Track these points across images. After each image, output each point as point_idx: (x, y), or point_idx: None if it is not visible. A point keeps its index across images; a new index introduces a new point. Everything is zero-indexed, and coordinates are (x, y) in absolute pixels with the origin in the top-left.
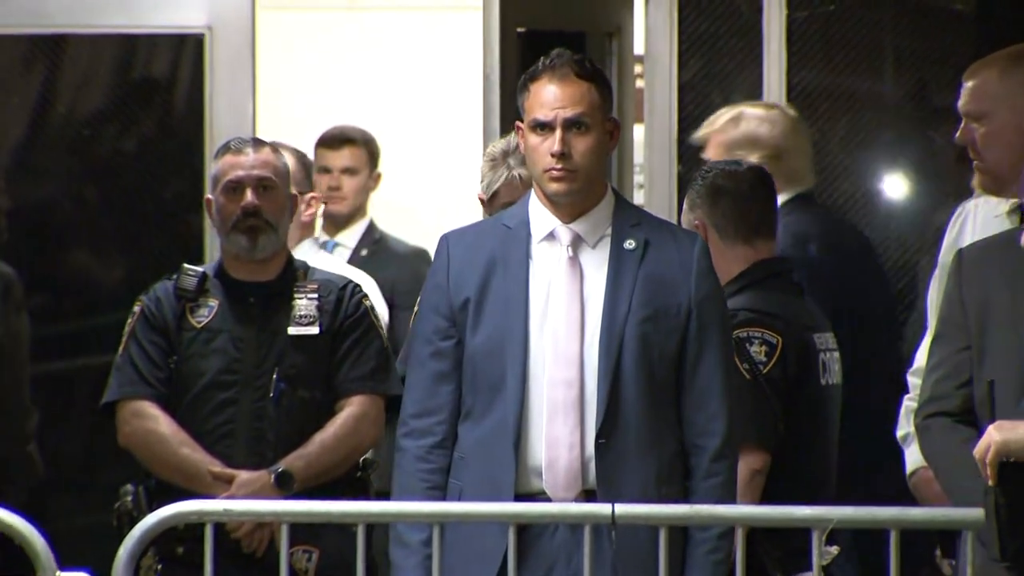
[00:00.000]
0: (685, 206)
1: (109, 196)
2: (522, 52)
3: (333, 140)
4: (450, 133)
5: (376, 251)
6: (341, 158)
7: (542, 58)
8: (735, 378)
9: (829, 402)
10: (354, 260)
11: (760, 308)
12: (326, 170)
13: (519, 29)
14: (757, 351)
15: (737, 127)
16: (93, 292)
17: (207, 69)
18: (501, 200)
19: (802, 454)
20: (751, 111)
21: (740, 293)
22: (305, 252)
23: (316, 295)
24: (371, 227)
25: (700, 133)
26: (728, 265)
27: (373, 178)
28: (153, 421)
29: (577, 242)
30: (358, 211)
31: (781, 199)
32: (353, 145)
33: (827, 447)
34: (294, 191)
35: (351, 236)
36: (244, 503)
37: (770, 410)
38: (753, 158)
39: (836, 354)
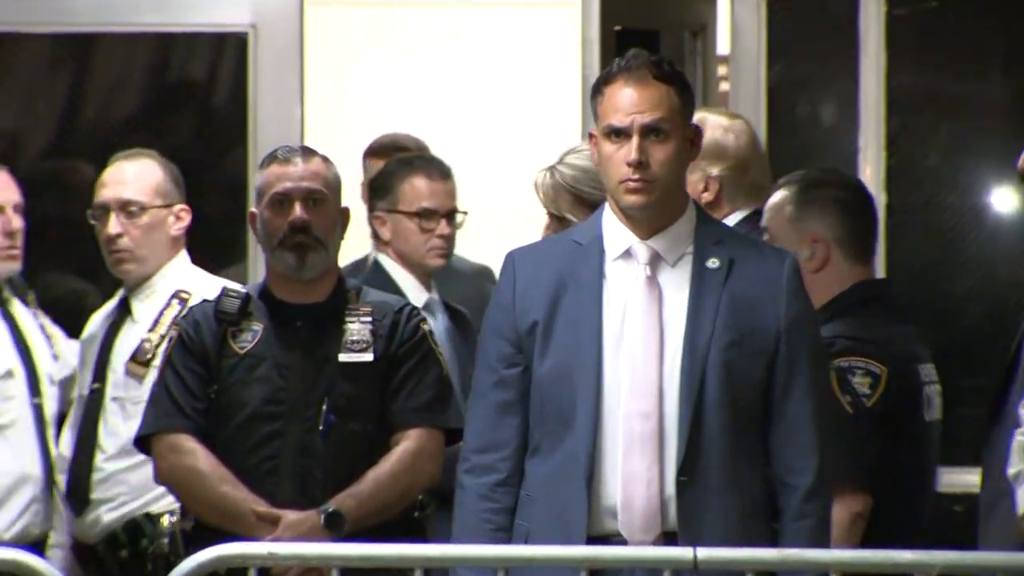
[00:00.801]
0: (787, 215)
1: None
2: (618, 53)
3: (383, 149)
4: (535, 140)
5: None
6: None
7: (616, 59)
8: (833, 410)
9: (930, 440)
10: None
11: (862, 335)
12: None
13: (616, 27)
14: (860, 383)
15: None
16: None
17: (251, 71)
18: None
19: (902, 496)
20: (714, 119)
21: (838, 318)
22: (177, 271)
23: (370, 318)
24: None
25: None
26: (844, 287)
27: None
28: (191, 456)
29: (655, 260)
30: None
31: (740, 215)
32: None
33: (927, 488)
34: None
35: None
36: (291, 546)
37: (874, 449)
38: (715, 170)
39: (938, 387)
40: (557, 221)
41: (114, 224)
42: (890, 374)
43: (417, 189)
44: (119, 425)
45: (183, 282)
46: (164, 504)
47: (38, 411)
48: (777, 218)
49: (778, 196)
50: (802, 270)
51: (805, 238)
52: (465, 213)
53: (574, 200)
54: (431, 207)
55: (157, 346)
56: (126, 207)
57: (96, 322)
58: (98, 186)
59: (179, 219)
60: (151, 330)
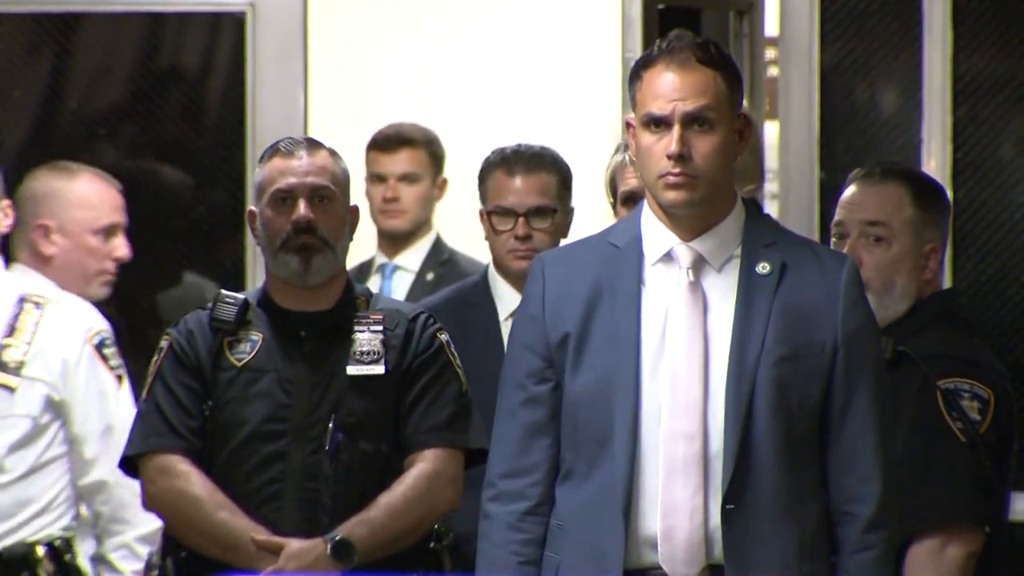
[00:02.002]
0: (909, 217)
1: (130, 207)
2: (662, 33)
3: (388, 142)
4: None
5: (445, 274)
6: (398, 163)
7: (658, 41)
8: (943, 436)
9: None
10: (419, 285)
11: (963, 355)
12: (380, 178)
13: (659, 5)
14: (969, 407)
15: None
16: (112, 324)
17: (249, 55)
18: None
19: (999, 530)
20: None
21: (925, 332)
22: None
23: (381, 327)
24: (437, 245)
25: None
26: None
27: (438, 185)
28: (184, 480)
29: (699, 264)
30: (421, 226)
31: None
32: (412, 147)
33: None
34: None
35: (414, 257)
36: None
37: (989, 479)
38: None
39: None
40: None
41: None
42: (997, 398)
43: (497, 185)
44: None
45: (21, 286)
46: (35, 529)
47: None
48: (899, 216)
49: (891, 190)
50: (914, 280)
51: (923, 245)
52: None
53: None
54: (506, 205)
55: (26, 354)
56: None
57: None
58: None
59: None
60: (9, 336)
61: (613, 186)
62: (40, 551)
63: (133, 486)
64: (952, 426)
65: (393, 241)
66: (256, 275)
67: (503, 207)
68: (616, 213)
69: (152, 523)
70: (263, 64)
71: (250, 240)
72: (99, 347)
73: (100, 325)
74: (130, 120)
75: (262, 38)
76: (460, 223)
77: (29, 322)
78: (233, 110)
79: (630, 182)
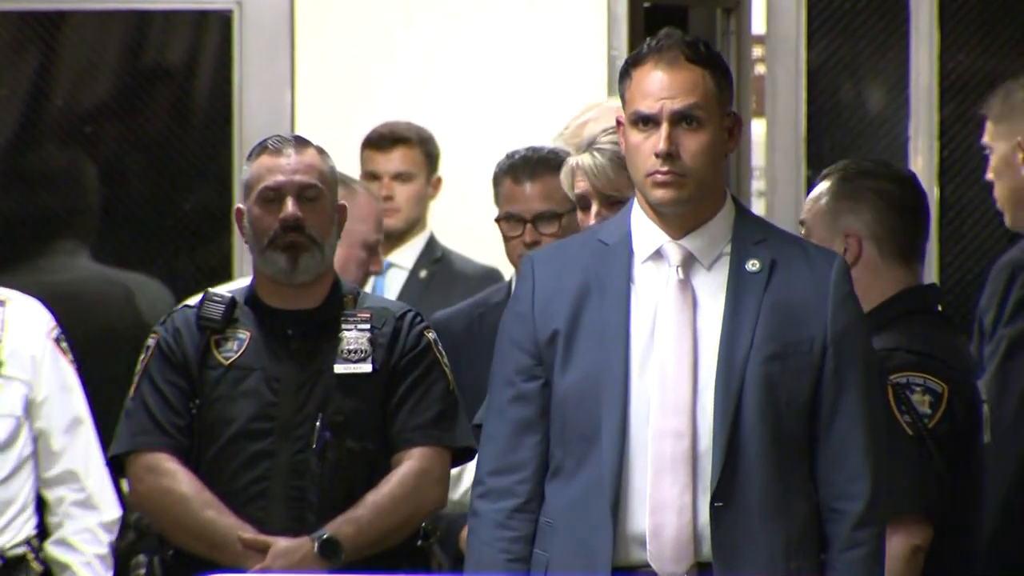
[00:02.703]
0: (827, 206)
1: (116, 206)
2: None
3: (382, 140)
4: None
5: (438, 272)
6: (392, 161)
7: (647, 39)
8: (889, 430)
9: (985, 465)
10: (412, 283)
11: (919, 348)
12: (374, 176)
13: (645, 3)
14: (920, 401)
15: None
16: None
17: (236, 53)
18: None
19: (959, 528)
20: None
21: (891, 328)
22: None
23: (368, 326)
24: (431, 243)
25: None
26: (883, 290)
27: (432, 184)
28: (170, 478)
29: (689, 262)
30: (415, 224)
31: None
32: (406, 145)
33: (981, 519)
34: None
35: (407, 255)
36: None
37: (934, 473)
38: None
39: (987, 406)
40: (610, 206)
41: None
42: (951, 391)
43: (506, 192)
44: None
45: None
46: (17, 530)
47: None
48: (813, 210)
49: (818, 188)
50: None
51: (838, 232)
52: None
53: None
54: (514, 212)
55: (1, 352)
56: None
57: None
58: None
59: None
60: None
61: (571, 187)
62: (29, 552)
63: (101, 475)
64: (900, 420)
65: (387, 239)
66: (243, 273)
67: (511, 213)
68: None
69: (115, 512)
70: (250, 62)
71: (236, 238)
72: (57, 341)
73: (53, 319)
74: (116, 118)
75: (249, 36)
76: (453, 221)
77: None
78: (220, 108)
79: (579, 185)
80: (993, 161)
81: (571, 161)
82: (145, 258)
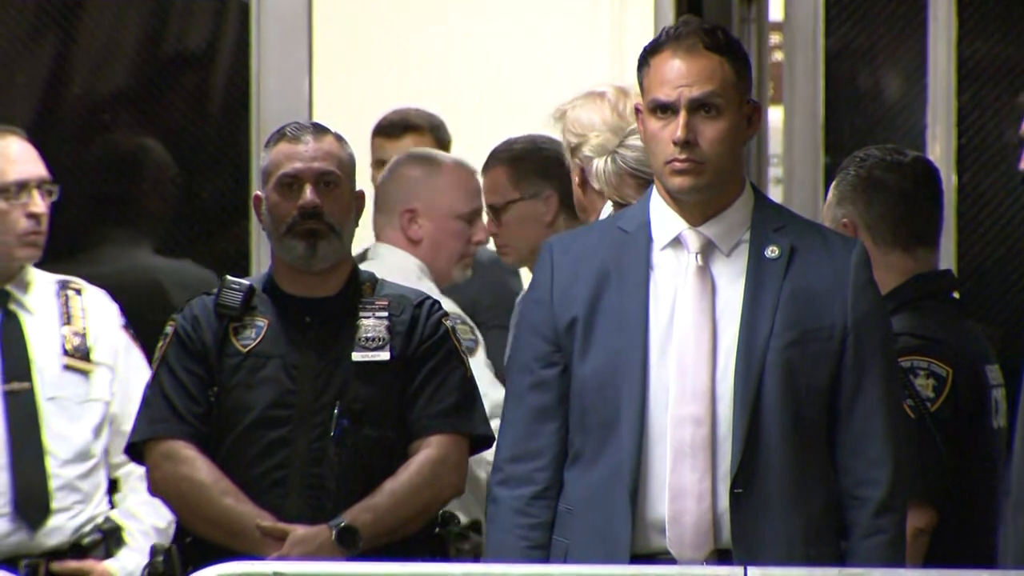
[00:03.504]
0: (831, 199)
1: (134, 194)
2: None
3: (393, 128)
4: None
5: None
6: (402, 149)
7: (665, 27)
8: (902, 412)
9: (998, 449)
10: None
11: (925, 333)
12: (384, 163)
13: None
14: (923, 385)
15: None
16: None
17: (254, 41)
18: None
19: (968, 511)
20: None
21: (897, 313)
22: None
23: (386, 313)
24: None
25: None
26: (880, 276)
27: None
28: (189, 465)
29: (708, 249)
30: None
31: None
32: (417, 133)
33: (993, 502)
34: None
35: None
36: (299, 565)
37: (939, 457)
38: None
39: (1003, 390)
40: (620, 208)
41: (40, 203)
42: (956, 376)
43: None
44: (66, 427)
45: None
46: (104, 508)
47: None
48: (827, 201)
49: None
50: None
51: (837, 222)
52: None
53: (639, 184)
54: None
55: (88, 339)
56: (43, 184)
57: None
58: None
59: None
60: (67, 324)
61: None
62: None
63: None
64: (903, 404)
65: None
66: (261, 261)
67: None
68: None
69: None
70: (268, 50)
71: (255, 226)
72: (126, 328)
73: (119, 308)
74: (134, 106)
75: (267, 24)
76: None
77: (77, 308)
78: (238, 96)
79: (595, 185)
80: None
81: (596, 163)
82: (163, 246)
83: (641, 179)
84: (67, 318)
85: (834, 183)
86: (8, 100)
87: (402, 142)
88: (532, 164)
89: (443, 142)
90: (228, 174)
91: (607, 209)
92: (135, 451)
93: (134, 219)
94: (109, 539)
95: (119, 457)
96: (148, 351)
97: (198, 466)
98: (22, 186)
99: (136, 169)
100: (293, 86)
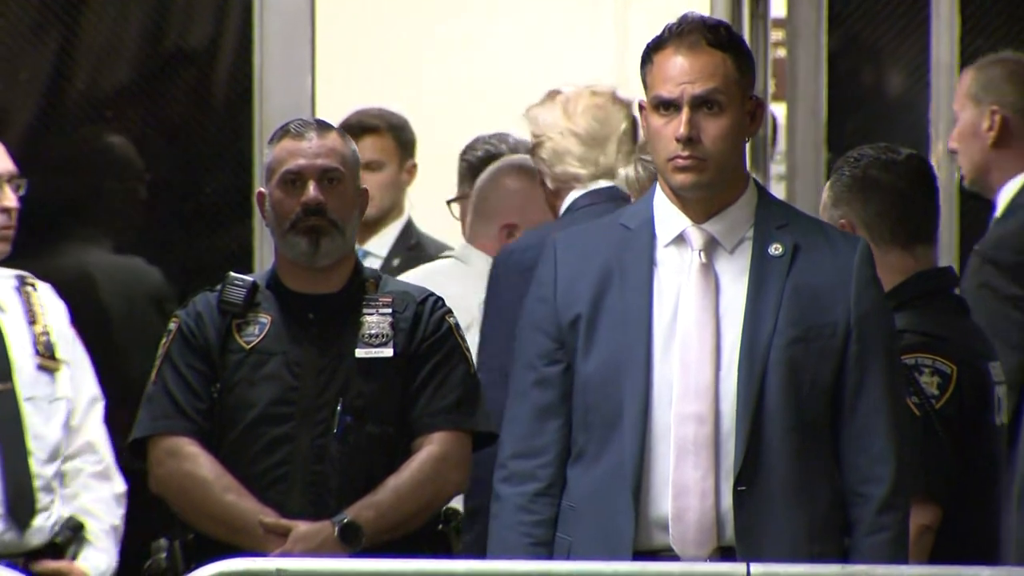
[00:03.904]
0: (826, 199)
1: (136, 190)
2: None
3: (349, 130)
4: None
5: (411, 259)
6: (360, 151)
7: (667, 24)
8: (906, 410)
9: (999, 446)
10: (386, 272)
11: (928, 330)
12: None
13: None
14: (928, 382)
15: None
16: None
17: (256, 37)
18: None
19: (972, 508)
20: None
21: (900, 311)
22: None
23: (390, 310)
24: (407, 230)
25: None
26: (880, 275)
27: (406, 170)
28: (191, 462)
29: (711, 246)
30: (390, 211)
31: None
32: (375, 134)
33: (997, 499)
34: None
35: (382, 242)
36: (301, 562)
37: (944, 455)
38: None
39: (1004, 387)
40: None
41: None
42: (960, 373)
43: None
44: (41, 427)
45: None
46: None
47: None
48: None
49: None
50: None
51: (835, 223)
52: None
53: None
54: None
55: (51, 335)
56: (12, 179)
57: None
58: None
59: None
60: (33, 323)
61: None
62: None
63: (110, 450)
64: (908, 401)
65: (362, 228)
66: (264, 258)
67: None
68: None
69: (124, 485)
70: (270, 46)
71: (257, 223)
72: (72, 322)
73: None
74: (137, 102)
75: (270, 20)
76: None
77: (37, 305)
78: (240, 92)
79: (631, 195)
80: (958, 128)
81: (626, 171)
82: (165, 242)
83: None
84: (32, 316)
85: (828, 184)
86: (12, 95)
87: (360, 145)
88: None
89: (404, 140)
90: (231, 171)
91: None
92: (137, 447)
93: (94, 216)
94: (75, 538)
95: (70, 448)
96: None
97: (201, 462)
98: None
99: (97, 167)
100: (295, 82)
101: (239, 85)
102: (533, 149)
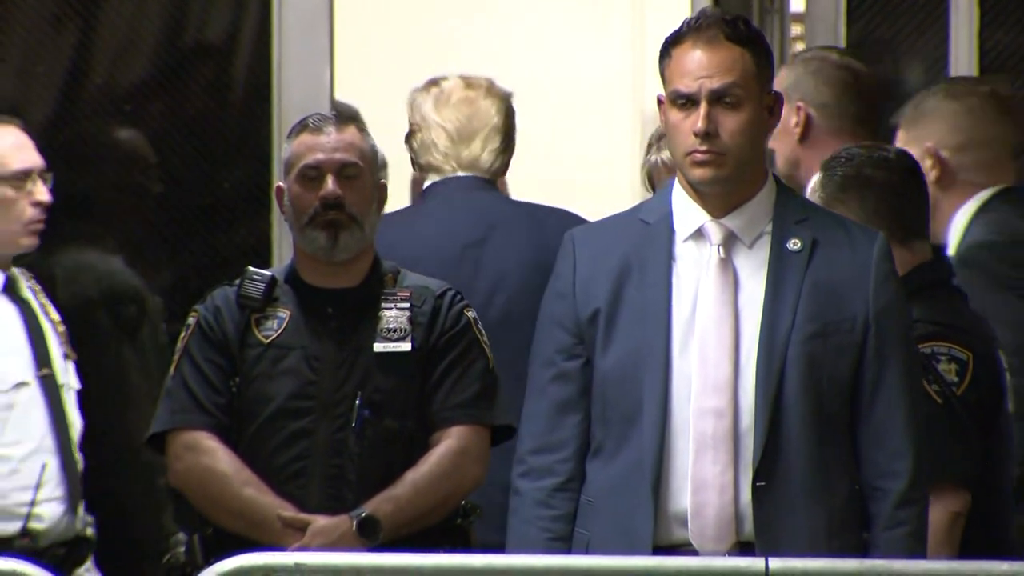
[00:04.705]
0: (817, 199)
1: (154, 185)
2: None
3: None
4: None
5: None
6: None
7: (686, 19)
8: (924, 405)
9: (1011, 433)
10: None
11: (941, 319)
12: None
13: None
14: (946, 370)
15: None
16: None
17: (274, 30)
18: None
19: (989, 496)
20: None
21: (908, 303)
22: None
23: (408, 304)
24: None
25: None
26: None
27: None
28: (210, 456)
29: (730, 241)
30: None
31: None
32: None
33: (1009, 488)
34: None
35: None
36: (320, 555)
37: (969, 440)
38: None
39: (1008, 375)
40: None
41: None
42: (975, 360)
43: None
44: (71, 413)
45: None
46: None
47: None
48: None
49: (815, 178)
50: None
51: None
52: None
53: None
54: None
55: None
56: (43, 173)
57: None
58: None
59: None
60: (47, 314)
61: (651, 184)
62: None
63: None
64: (928, 389)
65: None
66: (282, 252)
67: None
68: None
69: None
70: (289, 39)
71: (276, 217)
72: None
73: None
74: (155, 96)
75: (288, 13)
76: None
77: (44, 297)
78: (259, 86)
79: (665, 182)
80: None
81: (650, 159)
82: (183, 236)
83: None
84: (44, 308)
85: (818, 184)
86: (30, 90)
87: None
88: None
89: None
90: (249, 164)
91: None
92: (156, 441)
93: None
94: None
95: None
96: None
97: (219, 457)
98: (26, 174)
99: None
100: (314, 75)
101: (257, 79)
102: (408, 135)
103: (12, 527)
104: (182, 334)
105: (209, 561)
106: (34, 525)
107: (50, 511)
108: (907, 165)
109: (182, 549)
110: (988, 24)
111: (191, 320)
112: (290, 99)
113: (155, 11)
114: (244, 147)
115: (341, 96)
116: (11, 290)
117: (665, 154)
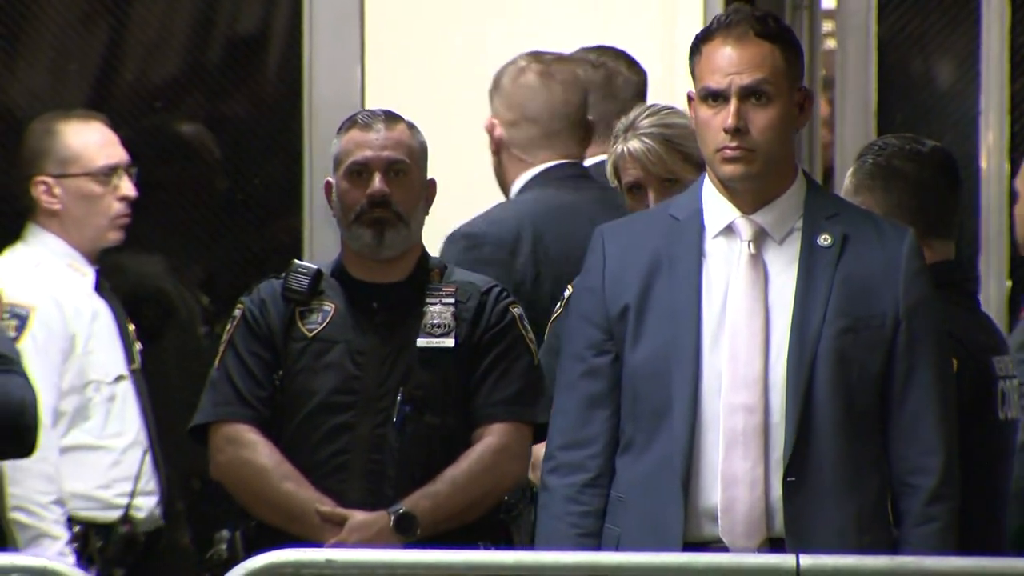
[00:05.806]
0: (847, 187)
1: (186, 182)
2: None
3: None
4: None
5: None
6: None
7: (716, 15)
8: (955, 401)
9: (1004, 440)
10: None
11: None
12: None
13: None
14: None
15: None
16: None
17: (305, 27)
18: (624, 183)
19: (974, 500)
20: None
21: None
22: None
23: (453, 300)
24: None
25: None
26: None
27: None
28: (251, 449)
29: (760, 237)
30: None
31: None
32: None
33: (998, 494)
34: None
35: None
36: (351, 552)
37: None
38: None
39: (1015, 381)
40: (665, 190)
41: (131, 187)
42: (962, 367)
43: None
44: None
45: None
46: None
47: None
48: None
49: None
50: None
51: None
52: None
53: (684, 159)
54: None
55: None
56: (128, 168)
57: (69, 296)
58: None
59: None
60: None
61: (616, 176)
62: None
63: None
64: None
65: None
66: (314, 249)
67: None
68: (626, 203)
69: None
70: (320, 37)
71: (307, 213)
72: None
73: None
74: (186, 93)
75: (319, 10)
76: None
77: None
78: (290, 83)
79: (631, 173)
80: None
81: (616, 149)
82: (215, 233)
83: (683, 154)
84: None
85: (851, 171)
86: (62, 87)
87: None
88: None
89: None
90: (280, 162)
91: None
92: (198, 433)
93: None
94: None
95: None
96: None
97: (260, 450)
98: (112, 170)
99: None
100: (345, 72)
101: (288, 76)
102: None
103: (113, 515)
104: (227, 326)
105: (252, 555)
106: (134, 514)
107: (146, 503)
108: (940, 161)
109: (224, 546)
110: (1020, 20)
111: (236, 312)
112: (321, 97)
113: (186, 9)
114: (275, 145)
115: (371, 93)
116: (101, 287)
117: (631, 144)
